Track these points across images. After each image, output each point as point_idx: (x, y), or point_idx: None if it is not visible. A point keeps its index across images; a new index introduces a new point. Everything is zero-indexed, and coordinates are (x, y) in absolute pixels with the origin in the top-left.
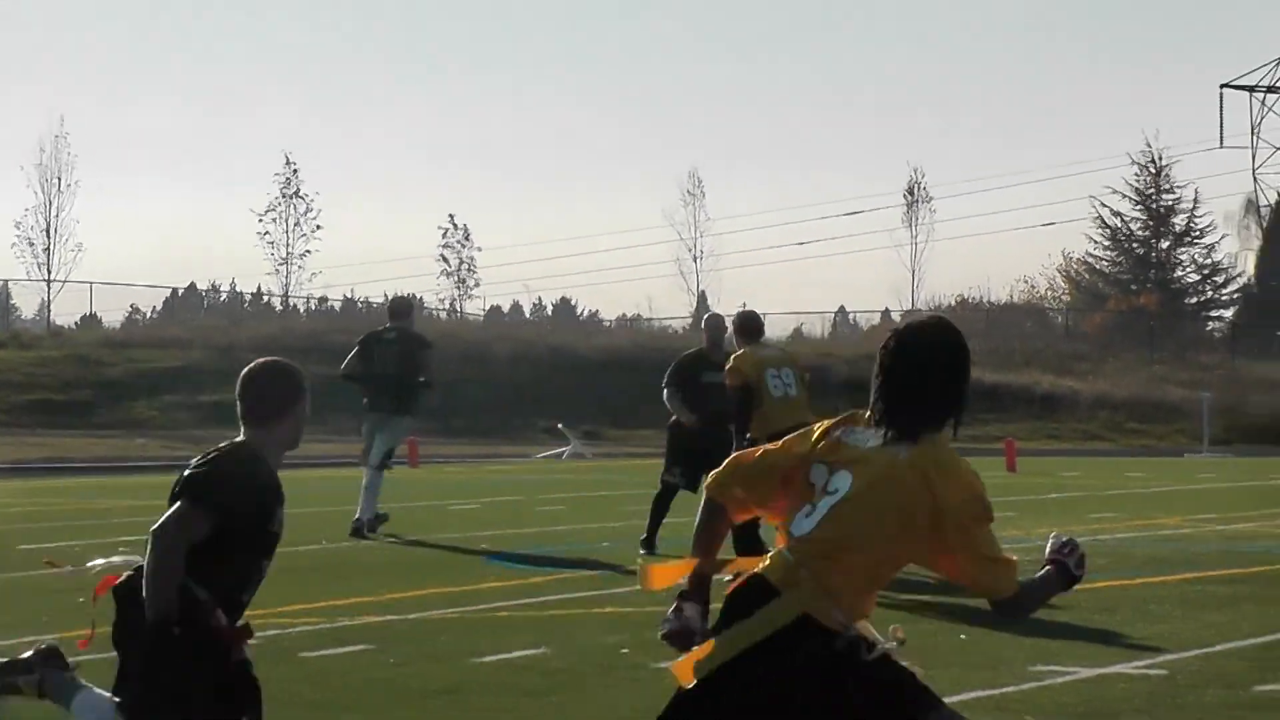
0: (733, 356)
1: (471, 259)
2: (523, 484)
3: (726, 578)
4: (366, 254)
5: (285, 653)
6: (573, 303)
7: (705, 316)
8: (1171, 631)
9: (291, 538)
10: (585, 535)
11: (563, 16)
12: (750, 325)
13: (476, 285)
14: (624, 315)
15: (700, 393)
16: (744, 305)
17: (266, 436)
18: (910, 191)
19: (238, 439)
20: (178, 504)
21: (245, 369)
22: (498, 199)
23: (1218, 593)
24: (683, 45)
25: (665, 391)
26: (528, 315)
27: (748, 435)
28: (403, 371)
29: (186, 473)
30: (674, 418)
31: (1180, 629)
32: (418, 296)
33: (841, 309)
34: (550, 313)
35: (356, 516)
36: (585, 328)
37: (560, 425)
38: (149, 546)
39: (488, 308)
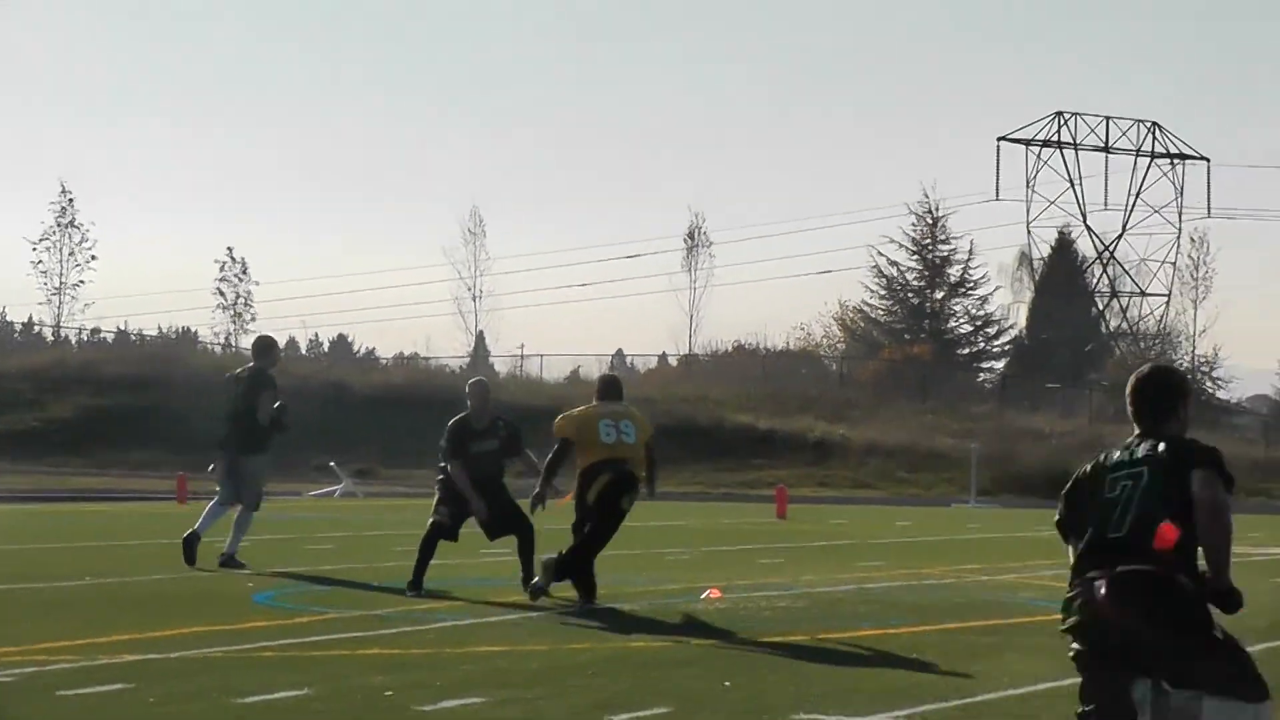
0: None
1: (249, 293)
2: (293, 522)
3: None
4: (143, 285)
5: (42, 691)
6: (350, 340)
7: (470, 382)
8: (932, 681)
9: (56, 572)
10: (354, 575)
11: (350, 50)
12: (609, 388)
13: (253, 320)
14: (401, 353)
15: (469, 461)
16: (522, 347)
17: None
18: (690, 236)
19: None
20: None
21: None
22: (277, 233)
23: (979, 643)
24: (466, 82)
25: (450, 466)
26: (304, 351)
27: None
28: (245, 411)
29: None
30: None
31: (941, 678)
32: (192, 330)
33: (619, 351)
34: (327, 349)
35: (224, 550)
36: (361, 365)
37: (332, 463)
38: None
39: None
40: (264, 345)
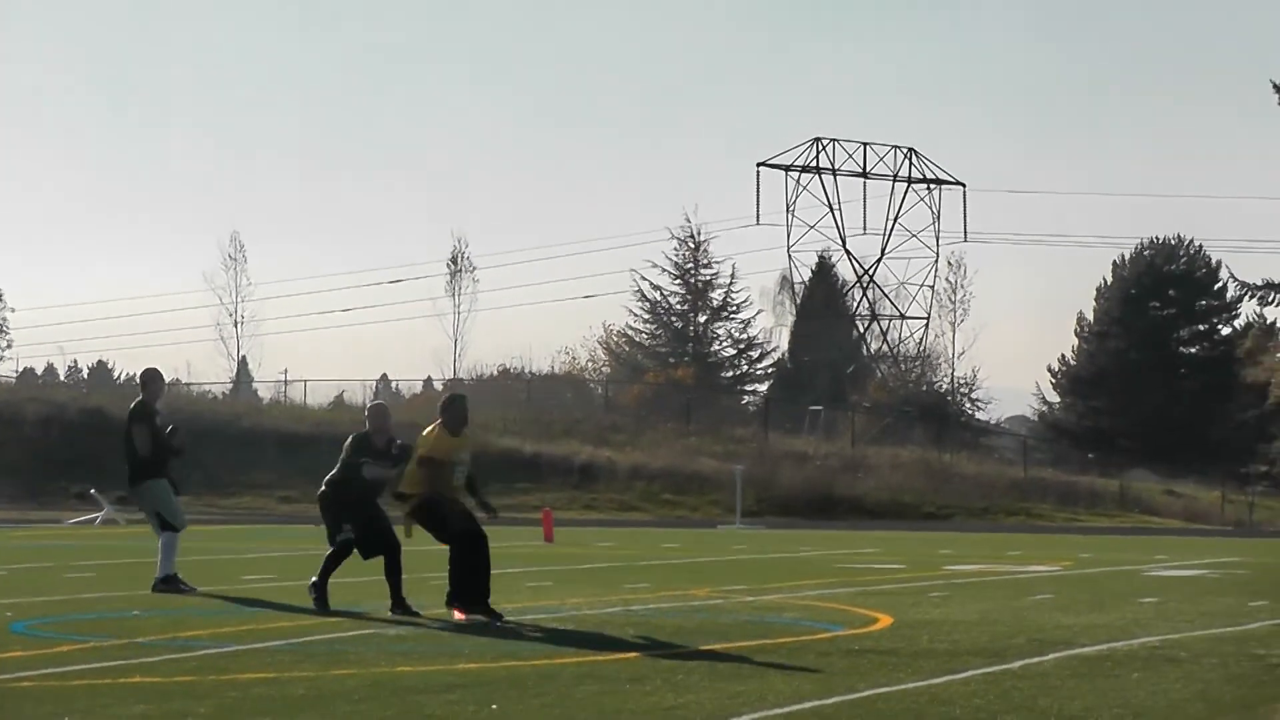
0: (437, 436)
1: (4, 319)
2: (52, 550)
3: None
4: None
5: None
6: (109, 365)
7: (371, 405)
8: (698, 701)
9: None
10: (114, 603)
11: (108, 72)
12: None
13: (9, 346)
14: None
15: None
16: (285, 372)
17: None
18: (454, 260)
19: None
20: None
21: None
22: (33, 257)
23: (744, 663)
24: (225, 102)
25: (362, 467)
26: (62, 378)
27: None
28: (127, 447)
29: None
30: (324, 487)
31: (707, 699)
32: None
33: (384, 376)
34: (86, 375)
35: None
36: (121, 391)
37: (93, 491)
38: None
39: (20, 369)
40: (145, 378)
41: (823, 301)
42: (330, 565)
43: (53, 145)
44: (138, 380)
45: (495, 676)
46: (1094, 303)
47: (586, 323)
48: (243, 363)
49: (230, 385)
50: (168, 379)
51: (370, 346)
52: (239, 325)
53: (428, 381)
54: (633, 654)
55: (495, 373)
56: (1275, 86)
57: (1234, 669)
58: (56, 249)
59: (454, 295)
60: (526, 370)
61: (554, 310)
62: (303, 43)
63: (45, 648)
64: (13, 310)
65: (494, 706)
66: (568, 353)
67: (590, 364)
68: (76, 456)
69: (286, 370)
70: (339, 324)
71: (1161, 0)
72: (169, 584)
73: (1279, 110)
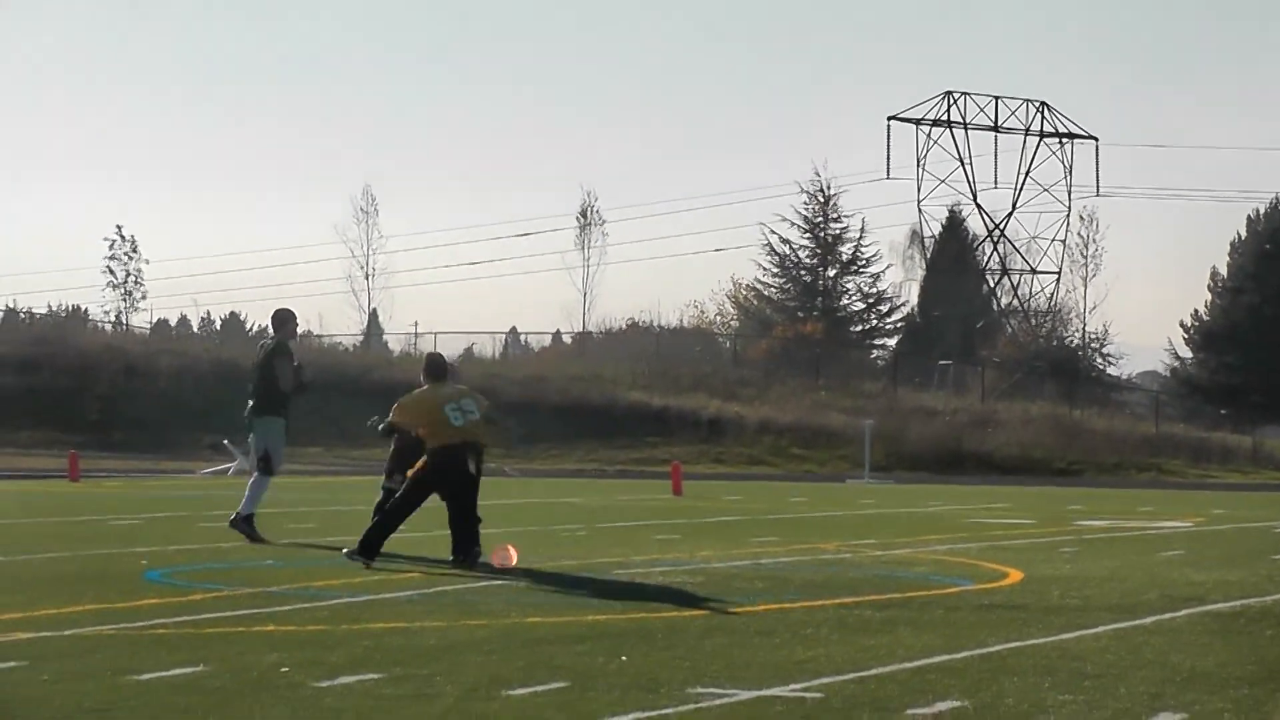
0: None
1: (139, 271)
2: (186, 500)
3: None
4: (31, 263)
5: None
6: (242, 317)
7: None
8: (828, 655)
9: None
10: (247, 553)
11: (238, 29)
12: (435, 368)
13: (144, 298)
14: None
15: None
16: (416, 325)
17: None
18: (583, 214)
19: None
20: None
21: None
22: (168, 210)
23: (874, 617)
24: (356, 59)
25: None
26: (195, 330)
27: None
28: (264, 379)
29: None
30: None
31: (836, 652)
32: (82, 308)
33: (513, 330)
34: (219, 327)
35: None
36: (253, 343)
37: (226, 441)
38: None
39: (154, 321)
40: (281, 318)
41: (953, 256)
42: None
43: (188, 98)
44: (270, 320)
45: (624, 628)
46: (1227, 258)
47: (715, 277)
48: (373, 315)
49: (361, 338)
50: (299, 331)
51: (499, 300)
52: (370, 278)
53: (556, 335)
54: (761, 607)
55: (624, 326)
56: None
57: None
58: (190, 201)
59: (583, 248)
60: (655, 324)
61: (683, 264)
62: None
63: (179, 595)
64: (147, 262)
65: (623, 658)
66: (696, 306)
67: (719, 318)
68: (209, 407)
69: (417, 323)
70: (468, 277)
71: None
72: (248, 524)
73: None
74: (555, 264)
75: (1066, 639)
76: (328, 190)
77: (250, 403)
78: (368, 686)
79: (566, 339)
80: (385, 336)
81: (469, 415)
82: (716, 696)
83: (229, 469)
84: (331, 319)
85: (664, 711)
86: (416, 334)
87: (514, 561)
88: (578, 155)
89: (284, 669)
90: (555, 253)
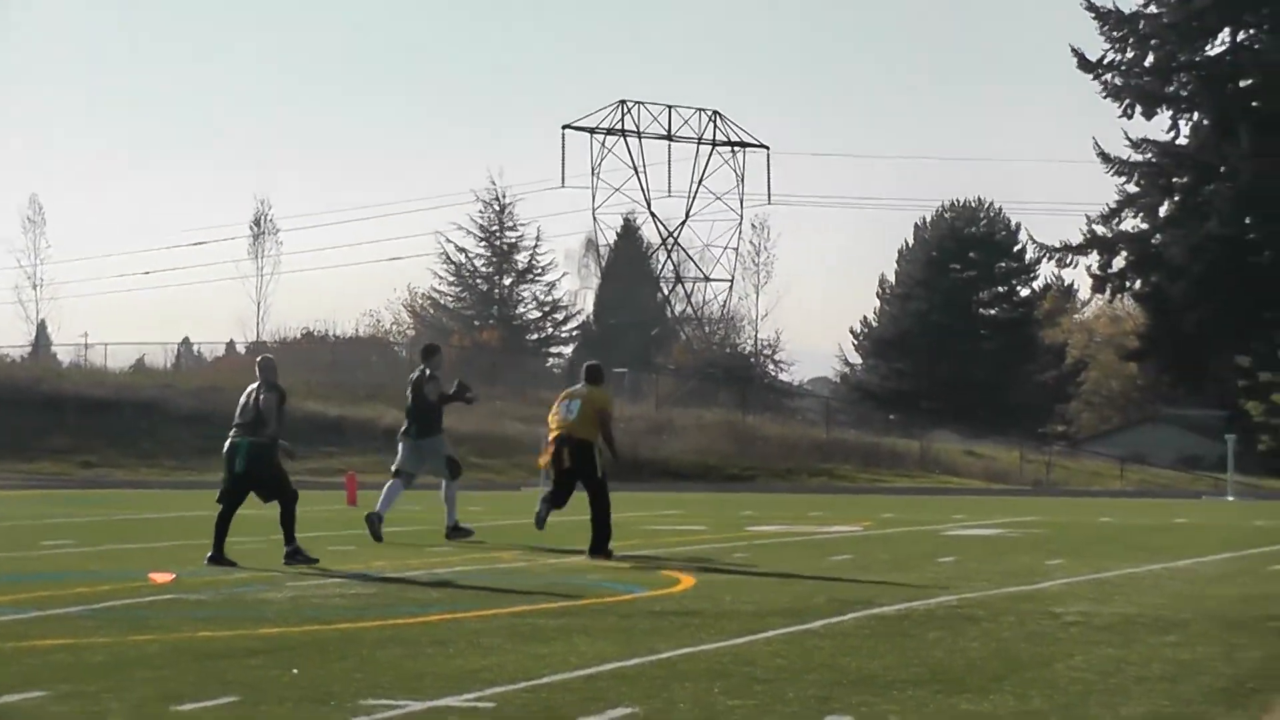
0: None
1: None
2: None
3: None
4: None
5: None
6: None
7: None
8: (501, 664)
9: None
10: None
11: None
12: (589, 373)
13: None
14: None
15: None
16: (86, 335)
17: None
18: (257, 223)
19: None
20: None
21: None
22: None
23: (548, 625)
24: (21, 66)
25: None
26: None
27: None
28: (413, 404)
29: None
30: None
31: (510, 661)
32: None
33: (186, 340)
34: None
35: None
36: None
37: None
38: None
39: None
40: (428, 350)
41: (627, 264)
42: None
43: None
44: (420, 352)
45: (297, 641)
46: (896, 265)
47: (391, 286)
48: (41, 326)
49: (29, 349)
50: None
51: (172, 310)
52: (38, 288)
53: (230, 345)
54: (435, 617)
55: (299, 336)
56: (1074, 51)
57: (1031, 627)
58: None
59: (257, 258)
60: (330, 333)
61: (358, 273)
62: (105, 9)
63: None
64: None
65: (295, 671)
66: (372, 316)
67: (395, 327)
68: None
69: (87, 334)
70: (140, 287)
71: None
72: (458, 531)
73: (1078, 74)
74: (229, 273)
75: (738, 644)
76: None
77: (407, 424)
78: (34, 705)
79: (240, 349)
80: (54, 348)
81: (568, 415)
82: (389, 709)
83: None
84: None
85: None
86: (86, 344)
87: (172, 579)
88: (251, 164)
89: None
90: (229, 262)
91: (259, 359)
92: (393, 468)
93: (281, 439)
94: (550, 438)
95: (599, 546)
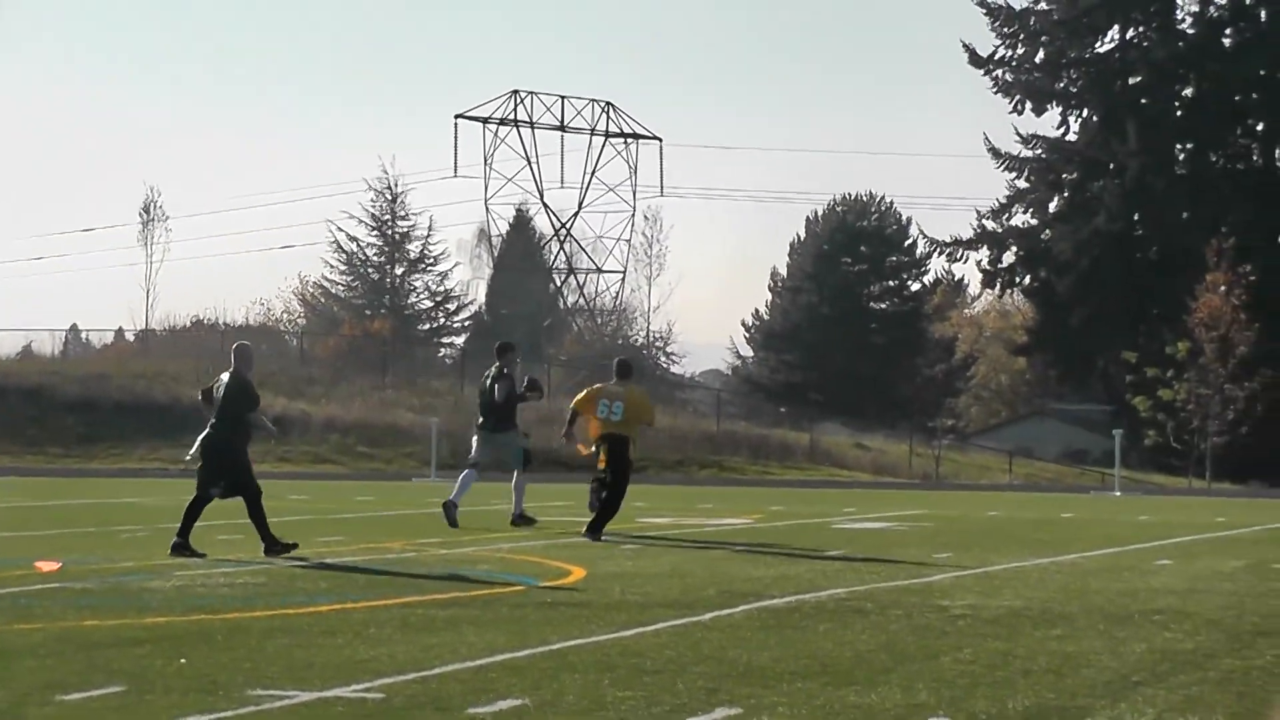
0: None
1: None
2: None
3: None
4: None
5: None
6: None
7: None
8: (390, 654)
9: None
10: None
11: None
12: (620, 368)
13: None
14: None
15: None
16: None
17: None
18: (146, 210)
19: None
20: None
21: None
22: None
23: (438, 615)
24: None
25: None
26: None
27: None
28: (489, 400)
29: None
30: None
31: (399, 652)
32: None
33: (74, 327)
34: None
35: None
36: None
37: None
38: None
39: None
40: (502, 348)
41: (520, 254)
42: None
43: None
44: (495, 350)
45: (184, 630)
46: (787, 258)
47: (282, 274)
48: None
49: None
50: None
51: (60, 296)
52: None
53: (119, 332)
54: (324, 607)
55: (189, 324)
56: (965, 46)
57: (918, 620)
58: None
59: (146, 245)
60: (221, 321)
61: (249, 261)
62: None
63: None
64: None
65: (183, 661)
66: (263, 304)
67: (285, 315)
68: None
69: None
70: (28, 273)
71: None
72: (524, 519)
73: (969, 69)
74: (118, 260)
75: (627, 636)
76: None
77: (483, 418)
78: None
79: (129, 336)
80: None
81: (611, 415)
82: (277, 699)
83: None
84: None
85: (222, 714)
86: None
87: (58, 567)
88: (141, 151)
89: None
90: (119, 249)
91: (234, 345)
92: (469, 459)
93: (257, 424)
94: (596, 437)
95: (597, 527)
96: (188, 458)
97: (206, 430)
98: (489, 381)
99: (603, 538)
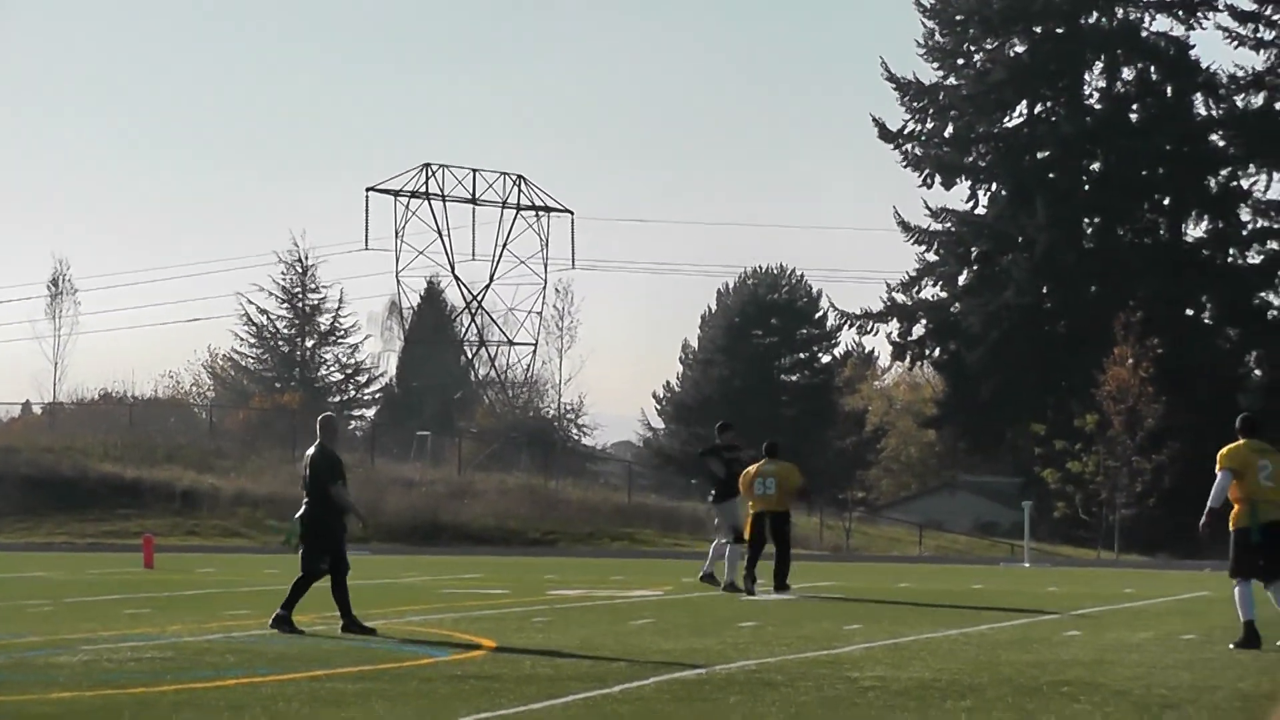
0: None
1: None
2: None
3: None
4: None
5: None
6: None
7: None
8: None
9: None
10: None
11: None
12: (769, 450)
13: None
14: None
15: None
16: None
17: None
18: (54, 282)
19: None
20: None
21: None
22: None
23: (348, 689)
24: None
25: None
26: None
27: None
28: (710, 472)
29: None
30: None
31: None
32: None
33: None
34: None
35: (725, 580)
36: None
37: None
38: None
39: None
40: (723, 427)
41: (431, 327)
42: None
43: None
44: (716, 430)
45: (91, 705)
46: (699, 331)
47: (191, 347)
48: None
49: None
50: None
51: None
52: None
53: (26, 405)
54: (232, 681)
55: (96, 396)
56: (875, 120)
57: (828, 692)
58: None
59: (54, 318)
60: (129, 394)
61: (158, 334)
62: None
63: None
64: None
65: None
66: (172, 377)
67: (195, 388)
68: None
69: None
70: None
71: (762, 33)
72: (731, 586)
73: (879, 143)
74: (25, 333)
75: (536, 709)
76: None
77: (714, 493)
78: None
79: (36, 409)
80: None
81: (767, 490)
82: None
83: None
84: None
85: None
86: None
87: None
88: (49, 223)
89: None
90: (25, 321)
91: (319, 418)
92: (720, 538)
93: (348, 507)
94: (752, 513)
95: (782, 579)
96: (284, 540)
97: (301, 508)
98: (703, 459)
99: (789, 587)
